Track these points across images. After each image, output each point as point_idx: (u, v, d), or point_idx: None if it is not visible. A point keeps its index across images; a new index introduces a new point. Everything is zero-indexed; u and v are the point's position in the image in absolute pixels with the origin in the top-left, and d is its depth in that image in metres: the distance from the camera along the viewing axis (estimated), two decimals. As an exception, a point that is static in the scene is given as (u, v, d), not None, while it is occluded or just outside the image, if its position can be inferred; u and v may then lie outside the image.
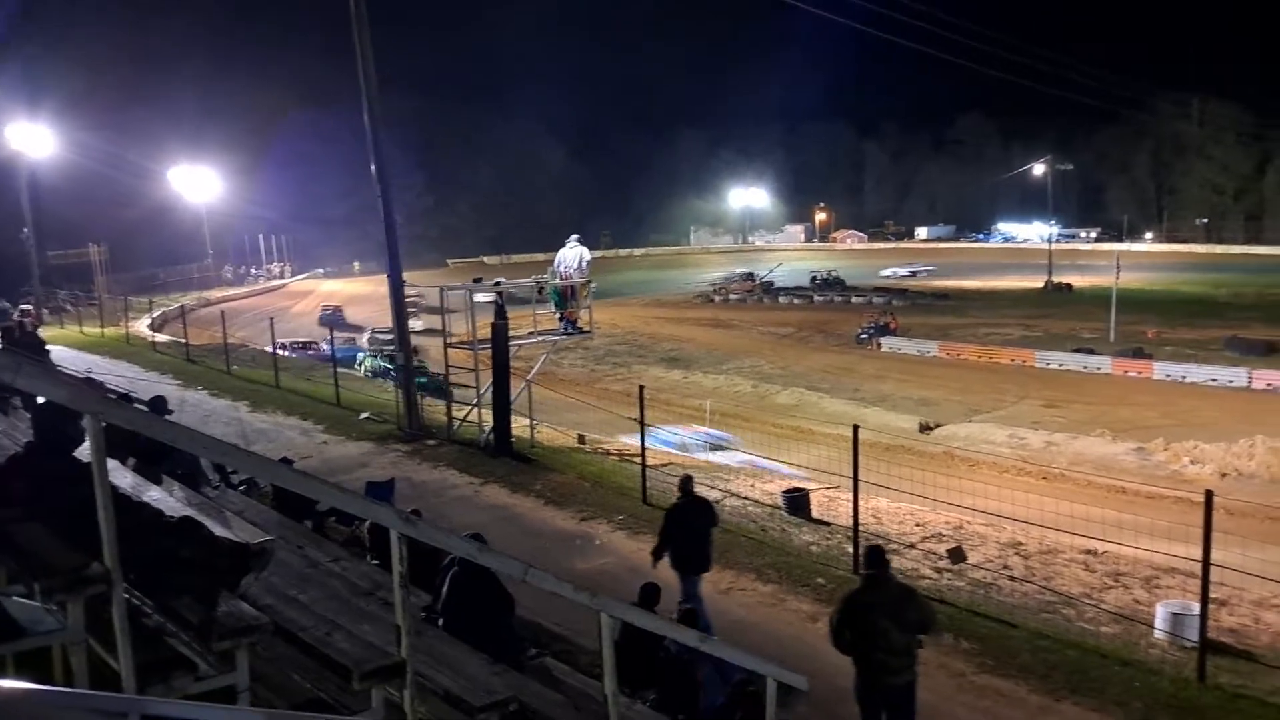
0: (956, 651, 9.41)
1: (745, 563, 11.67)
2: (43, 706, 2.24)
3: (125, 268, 59.47)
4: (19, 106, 45.19)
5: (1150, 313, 47.74)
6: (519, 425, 17.65)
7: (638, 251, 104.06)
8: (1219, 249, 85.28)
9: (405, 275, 18.94)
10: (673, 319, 56.09)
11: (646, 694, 6.65)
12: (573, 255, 17.88)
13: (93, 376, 15.00)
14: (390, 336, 23.53)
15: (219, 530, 4.49)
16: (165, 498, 4.97)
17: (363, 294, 58.18)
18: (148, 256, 67.35)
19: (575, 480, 15.33)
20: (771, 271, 71.89)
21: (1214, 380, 34.16)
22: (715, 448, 23.02)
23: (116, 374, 21.12)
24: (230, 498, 7.94)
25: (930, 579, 11.37)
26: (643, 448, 14.64)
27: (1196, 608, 9.26)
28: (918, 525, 13.60)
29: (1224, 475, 22.91)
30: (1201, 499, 8.90)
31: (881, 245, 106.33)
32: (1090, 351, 39.66)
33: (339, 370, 23.38)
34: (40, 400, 4.74)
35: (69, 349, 27.50)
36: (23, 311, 36.45)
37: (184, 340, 29.50)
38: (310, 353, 36.08)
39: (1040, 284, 67.27)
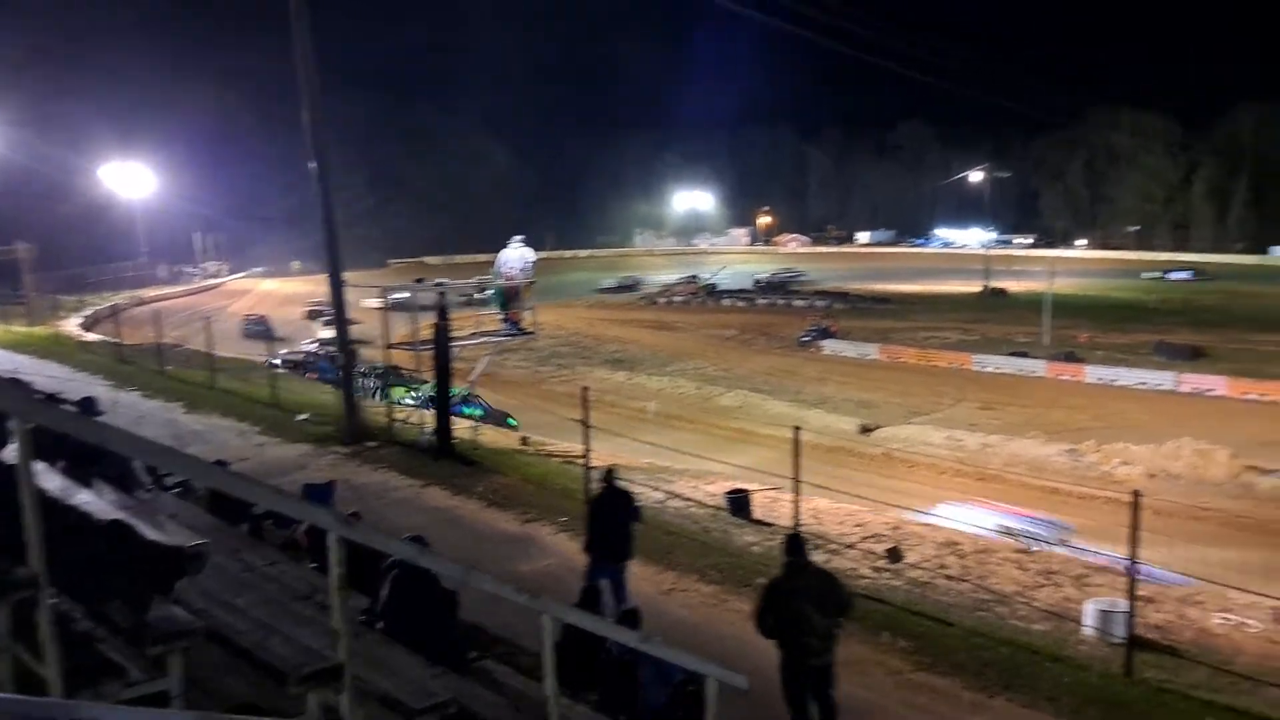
0: (894, 649, 9.56)
1: (688, 564, 11.72)
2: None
3: (56, 266, 57.75)
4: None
5: (1083, 318, 48.90)
6: (461, 427, 17.53)
7: (583, 253, 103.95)
8: (1149, 256, 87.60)
9: (345, 275, 18.70)
10: (617, 320, 56.16)
11: (588, 695, 6.66)
12: (516, 256, 17.82)
13: (19, 377, 14.58)
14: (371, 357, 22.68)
15: (151, 534, 4.40)
16: (95, 501, 4.86)
17: (302, 294, 57.35)
18: (80, 254, 65.46)
19: (518, 482, 15.27)
20: (715, 275, 72.44)
21: (1143, 383, 35.10)
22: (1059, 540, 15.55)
23: (44, 374, 20.55)
24: (164, 501, 7.78)
25: (869, 578, 11.52)
26: (586, 449, 14.64)
27: (1124, 605, 9.53)
28: (857, 525, 13.77)
29: (1152, 476, 23.55)
30: (1131, 499, 9.15)
31: (825, 249, 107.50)
32: (1025, 355, 40.52)
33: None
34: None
35: (-6, 348, 26.71)
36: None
37: (116, 340, 28.79)
38: (309, 376, 28.77)
39: (977, 289, 68.59)
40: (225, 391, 22.12)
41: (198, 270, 78.46)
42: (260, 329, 44.44)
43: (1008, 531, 15.64)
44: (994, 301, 63.64)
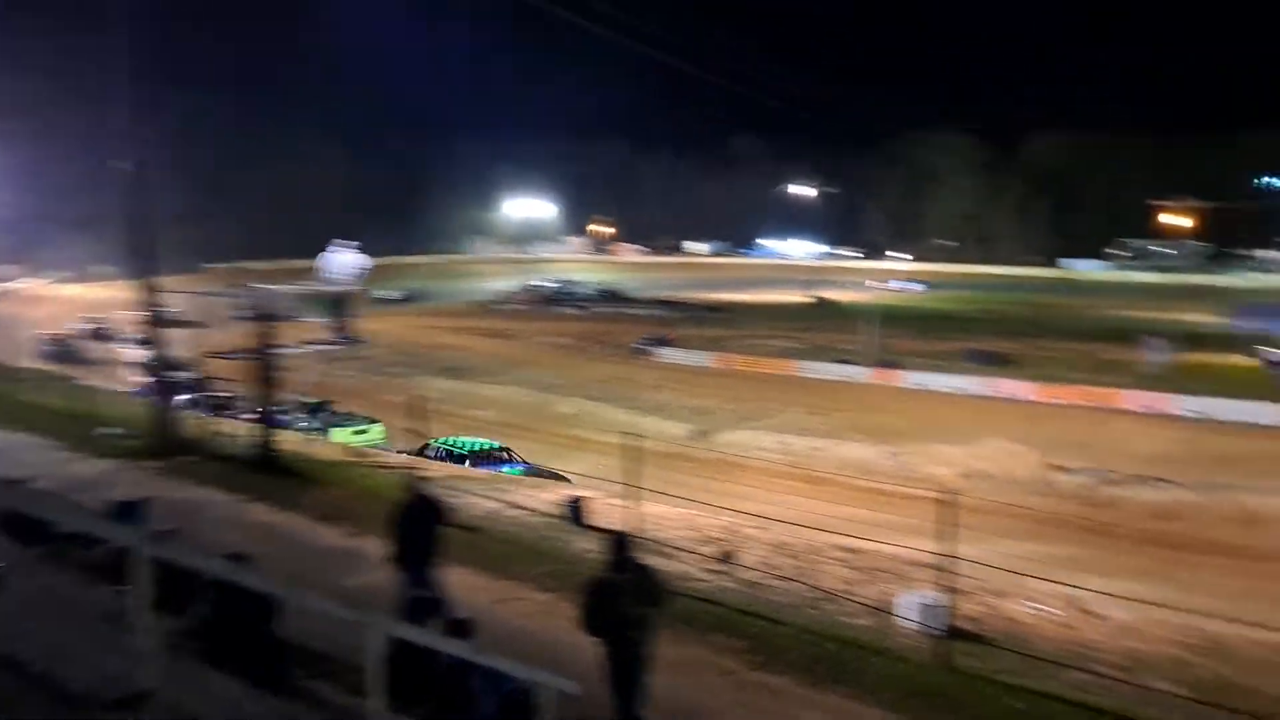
0: (728, 650, 9.73)
1: (523, 572, 11.61)
2: None
3: None
4: None
5: (902, 326, 51.35)
6: (287, 439, 16.84)
7: (417, 260, 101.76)
8: (960, 269, 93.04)
9: (159, 281, 17.65)
10: (452, 329, 55.31)
11: (418, 709, 6.48)
12: (344, 261, 17.30)
13: None
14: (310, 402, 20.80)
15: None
16: None
17: (103, 300, 53.75)
18: None
19: (345, 495, 14.77)
20: (553, 283, 72.61)
21: (956, 388, 37.16)
22: None
23: None
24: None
25: (704, 581, 11.70)
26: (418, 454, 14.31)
27: (942, 599, 10.08)
28: (692, 529, 13.96)
29: (967, 476, 24.86)
30: (950, 498, 9.69)
31: (662, 259, 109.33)
32: (849, 362, 42.18)
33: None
34: None
35: None
36: None
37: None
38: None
39: (804, 298, 71.12)
40: (25, 405, 20.54)
41: (-11, 275, 72.51)
42: (62, 350, 40.52)
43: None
44: (820, 310, 66.10)
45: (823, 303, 69.38)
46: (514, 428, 29.64)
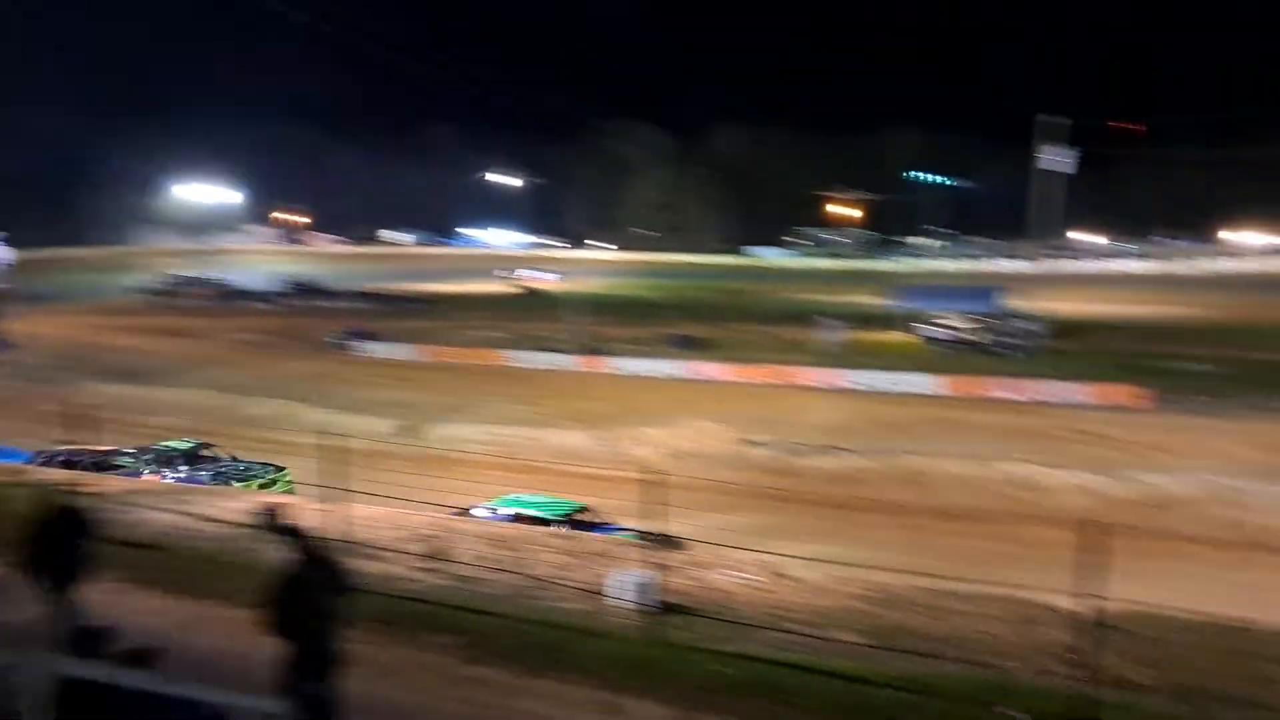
0: (440, 647, 9.55)
1: (217, 589, 10.73)
2: None
3: None
4: None
5: (606, 314, 52.67)
6: None
7: (75, 252, 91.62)
8: (659, 257, 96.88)
9: None
10: (124, 328, 50.38)
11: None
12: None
13: None
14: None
15: None
16: None
17: None
18: None
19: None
20: (236, 275, 68.27)
21: (658, 373, 38.65)
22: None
23: None
24: None
25: (415, 581, 11.35)
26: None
27: (655, 576, 10.41)
28: (401, 529, 13.51)
29: (672, 455, 25.88)
30: (658, 478, 10.03)
31: (360, 249, 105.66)
32: (556, 350, 42.73)
33: None
34: None
35: None
36: None
37: None
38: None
39: (506, 288, 71.29)
40: None
41: None
42: None
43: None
44: (525, 300, 66.50)
45: (532, 293, 69.80)
46: (204, 435, 27.48)
